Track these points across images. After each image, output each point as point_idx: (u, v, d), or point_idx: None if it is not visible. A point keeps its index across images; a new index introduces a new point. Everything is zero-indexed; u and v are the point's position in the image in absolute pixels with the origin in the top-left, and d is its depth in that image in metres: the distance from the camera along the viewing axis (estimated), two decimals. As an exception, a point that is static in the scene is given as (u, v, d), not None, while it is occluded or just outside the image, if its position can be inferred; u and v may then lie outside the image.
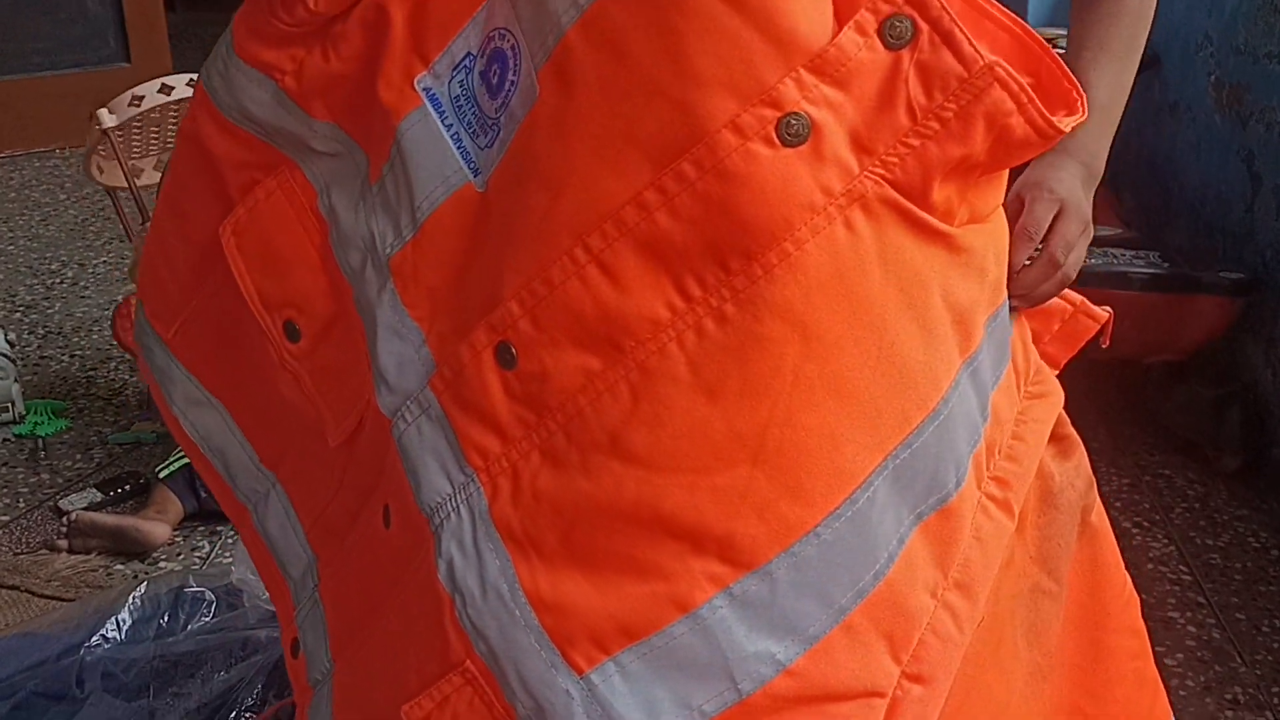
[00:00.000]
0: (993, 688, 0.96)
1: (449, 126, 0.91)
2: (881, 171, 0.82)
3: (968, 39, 0.81)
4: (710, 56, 0.81)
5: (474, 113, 0.91)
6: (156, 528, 1.96)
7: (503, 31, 0.89)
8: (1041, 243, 0.97)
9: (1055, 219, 0.98)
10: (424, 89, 0.91)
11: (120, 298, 2.67)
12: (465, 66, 0.91)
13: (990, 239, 0.91)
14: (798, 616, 0.83)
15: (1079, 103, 0.88)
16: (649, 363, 0.82)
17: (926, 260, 0.85)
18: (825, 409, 0.82)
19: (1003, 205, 0.95)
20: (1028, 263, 0.96)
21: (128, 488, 2.13)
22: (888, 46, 0.82)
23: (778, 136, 0.80)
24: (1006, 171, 0.91)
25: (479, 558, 0.85)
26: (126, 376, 2.55)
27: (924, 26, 0.81)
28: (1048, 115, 0.83)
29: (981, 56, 0.81)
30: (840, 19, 0.82)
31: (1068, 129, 0.85)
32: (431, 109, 0.91)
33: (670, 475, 0.82)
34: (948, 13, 0.81)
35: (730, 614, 0.82)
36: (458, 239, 0.90)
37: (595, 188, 0.83)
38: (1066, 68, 0.90)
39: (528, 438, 0.85)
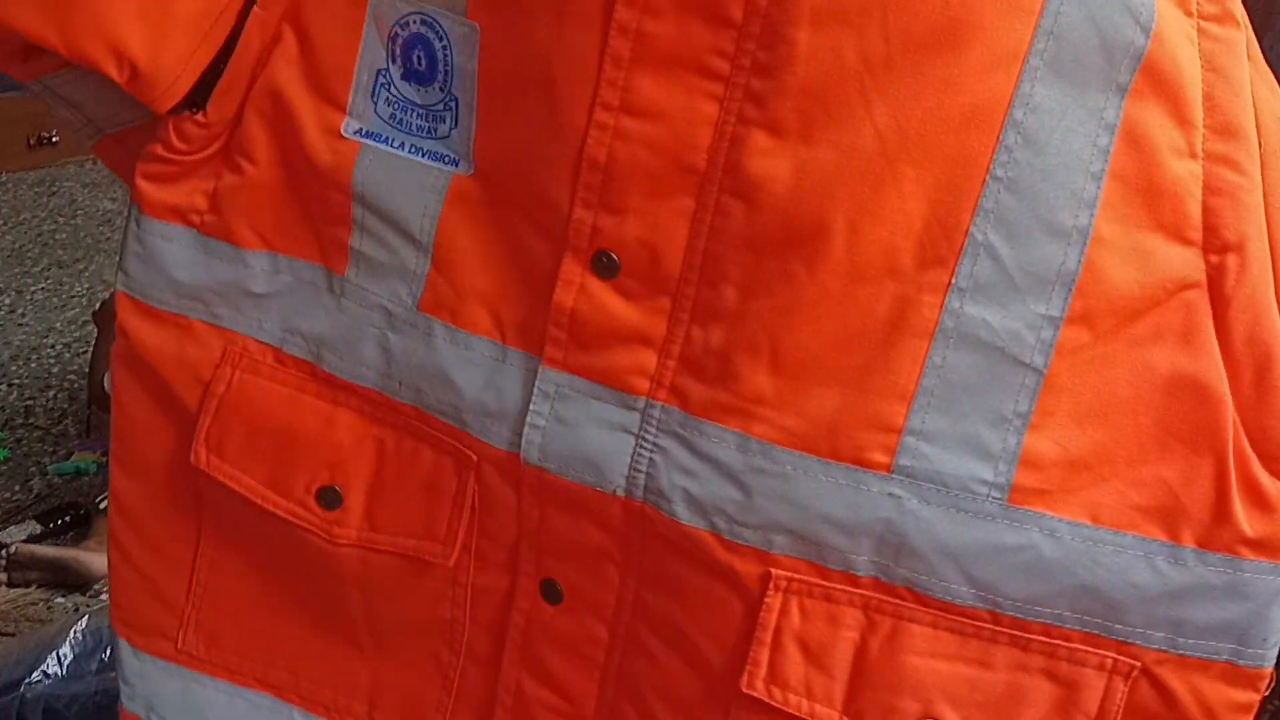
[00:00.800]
0: None
1: (401, 146, 0.87)
2: None
3: None
4: None
5: (418, 114, 0.87)
6: (97, 559, 1.94)
7: (404, 20, 0.85)
8: None
9: None
10: (354, 132, 0.88)
11: (58, 325, 2.64)
12: (382, 83, 0.87)
13: None
14: (1037, 263, 0.76)
15: None
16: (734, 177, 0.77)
17: None
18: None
19: None
20: None
21: (68, 519, 2.11)
22: None
23: None
24: None
25: (714, 460, 0.80)
26: (65, 405, 2.53)
27: None
28: None
29: None
30: None
31: None
32: (374, 144, 0.87)
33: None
34: None
35: (974, 308, 0.76)
36: (478, 229, 0.86)
37: (581, 58, 0.78)
38: None
39: (675, 322, 0.80)
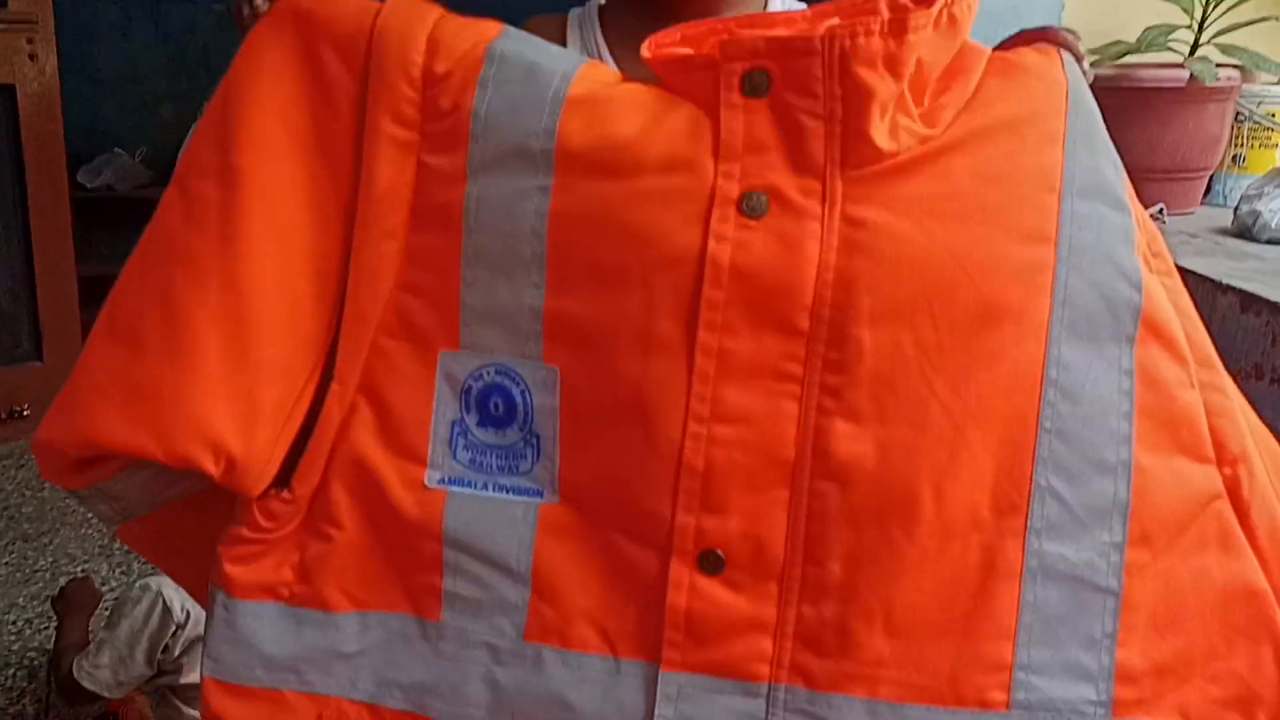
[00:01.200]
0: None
1: (485, 487, 0.92)
2: (841, 170, 0.86)
3: (790, 33, 0.87)
4: (654, 217, 0.87)
5: (497, 455, 0.92)
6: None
7: (478, 373, 0.92)
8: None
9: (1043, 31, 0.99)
10: (438, 481, 0.93)
11: (20, 600, 2.56)
12: (458, 432, 0.93)
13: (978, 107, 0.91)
14: (1095, 497, 0.87)
15: None
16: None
17: (915, 187, 0.87)
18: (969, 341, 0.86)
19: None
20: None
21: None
22: (756, 96, 0.87)
23: (746, 216, 0.86)
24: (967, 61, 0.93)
25: None
26: (24, 684, 2.43)
27: (770, 65, 0.86)
28: (899, 17, 0.85)
29: (809, 32, 0.86)
30: (708, 108, 0.88)
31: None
32: (459, 489, 0.92)
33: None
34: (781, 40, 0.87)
35: (1051, 545, 0.86)
36: (574, 552, 0.91)
37: (670, 380, 0.87)
38: None
39: (784, 604, 0.88)
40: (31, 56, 3.49)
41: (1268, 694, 0.90)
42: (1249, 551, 0.90)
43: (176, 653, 1.79)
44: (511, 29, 0.94)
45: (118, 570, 2.75)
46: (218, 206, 0.90)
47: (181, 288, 0.89)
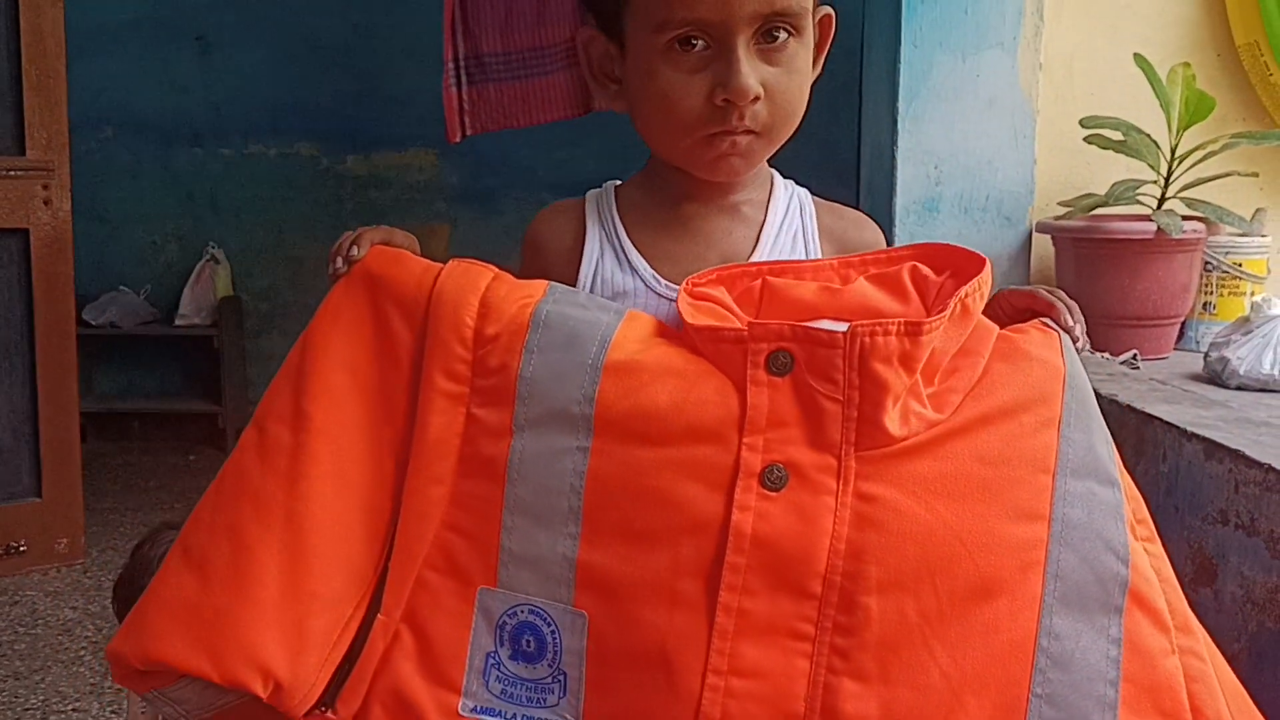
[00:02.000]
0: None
1: (514, 717, 0.99)
2: (855, 449, 0.94)
3: (822, 331, 0.95)
4: (683, 484, 0.95)
5: (526, 688, 0.99)
6: None
7: (513, 610, 0.99)
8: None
9: (1037, 291, 1.10)
10: (470, 710, 0.99)
11: None
12: (492, 664, 1.00)
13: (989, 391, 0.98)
14: None
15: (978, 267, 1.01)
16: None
17: (933, 468, 0.94)
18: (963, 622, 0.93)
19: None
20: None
21: None
22: (779, 375, 0.95)
23: (768, 489, 0.93)
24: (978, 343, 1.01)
25: None
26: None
27: (794, 348, 0.95)
28: (915, 321, 0.95)
29: (835, 332, 0.95)
30: (735, 380, 0.97)
31: (950, 310, 0.97)
32: (489, 718, 0.99)
33: None
34: (806, 330, 0.96)
35: None
36: None
37: (692, 635, 0.93)
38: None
39: None
40: (46, 202, 3.58)
41: None
42: None
43: None
44: (558, 287, 1.05)
45: (108, 709, 2.74)
46: (288, 449, 1.01)
47: (249, 522, 1.00)
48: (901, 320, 0.94)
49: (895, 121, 2.42)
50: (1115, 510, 0.96)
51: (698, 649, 0.93)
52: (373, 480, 1.03)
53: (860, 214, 1.26)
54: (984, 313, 1.09)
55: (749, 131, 1.09)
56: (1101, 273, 2.25)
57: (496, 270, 1.06)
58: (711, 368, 0.97)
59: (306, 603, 0.99)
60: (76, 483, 3.70)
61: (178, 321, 5.12)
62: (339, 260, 1.06)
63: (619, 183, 1.25)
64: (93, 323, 4.99)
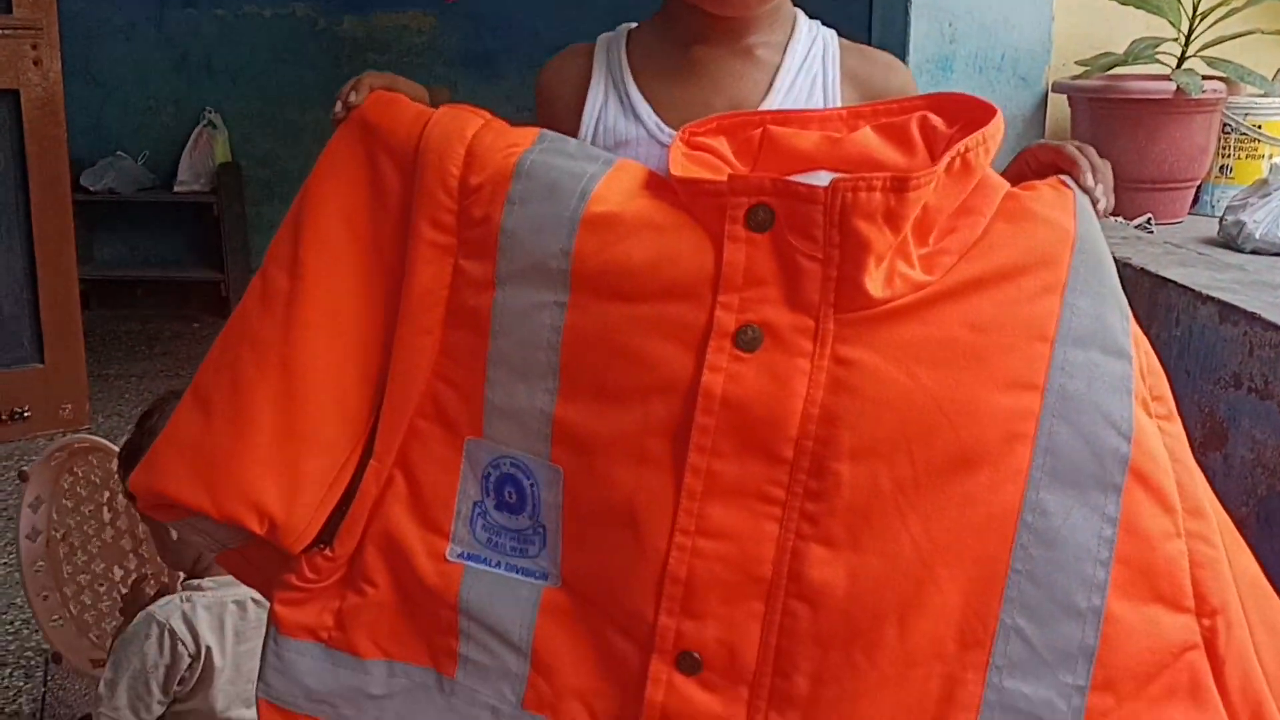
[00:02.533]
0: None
1: (497, 565, 1.01)
2: (834, 311, 0.90)
3: (802, 185, 0.91)
4: (656, 342, 0.93)
5: (510, 537, 1.00)
6: None
7: (496, 461, 1.00)
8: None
9: (1064, 146, 1.02)
10: (458, 555, 1.01)
11: (19, 600, 2.58)
12: (478, 513, 1.01)
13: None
14: (1061, 640, 0.89)
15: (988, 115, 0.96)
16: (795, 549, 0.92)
17: (902, 334, 0.91)
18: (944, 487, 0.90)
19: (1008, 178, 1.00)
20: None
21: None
22: (759, 231, 0.91)
23: (741, 349, 0.91)
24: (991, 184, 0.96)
25: None
26: (20, 684, 2.45)
27: (774, 202, 0.91)
28: (902, 175, 0.89)
29: (816, 187, 0.90)
30: (713, 236, 0.93)
31: (943, 166, 0.91)
32: (475, 565, 1.01)
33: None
34: (783, 182, 0.91)
35: (1011, 682, 0.89)
36: (570, 635, 0.98)
37: (660, 494, 0.93)
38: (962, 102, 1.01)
39: (753, 709, 0.93)
40: (36, 62, 3.51)
41: None
42: (1219, 705, 0.91)
43: (191, 684, 1.80)
44: (548, 135, 1.01)
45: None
46: (285, 295, 1.02)
47: (247, 365, 1.02)
48: (887, 174, 0.89)
49: (909, -23, 2.34)
50: (1121, 383, 0.91)
51: (665, 509, 0.92)
52: (366, 329, 1.03)
53: (891, 58, 1.20)
54: (1010, 169, 1.04)
55: None
56: (1117, 134, 2.19)
57: (488, 117, 1.03)
58: (691, 222, 0.94)
59: (300, 445, 1.01)
60: (78, 348, 3.71)
61: (176, 188, 5.06)
62: (338, 106, 1.04)
63: (634, 25, 1.20)
64: (91, 189, 4.93)
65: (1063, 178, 0.99)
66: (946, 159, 0.91)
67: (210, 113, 5.07)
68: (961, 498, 0.89)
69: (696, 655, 0.93)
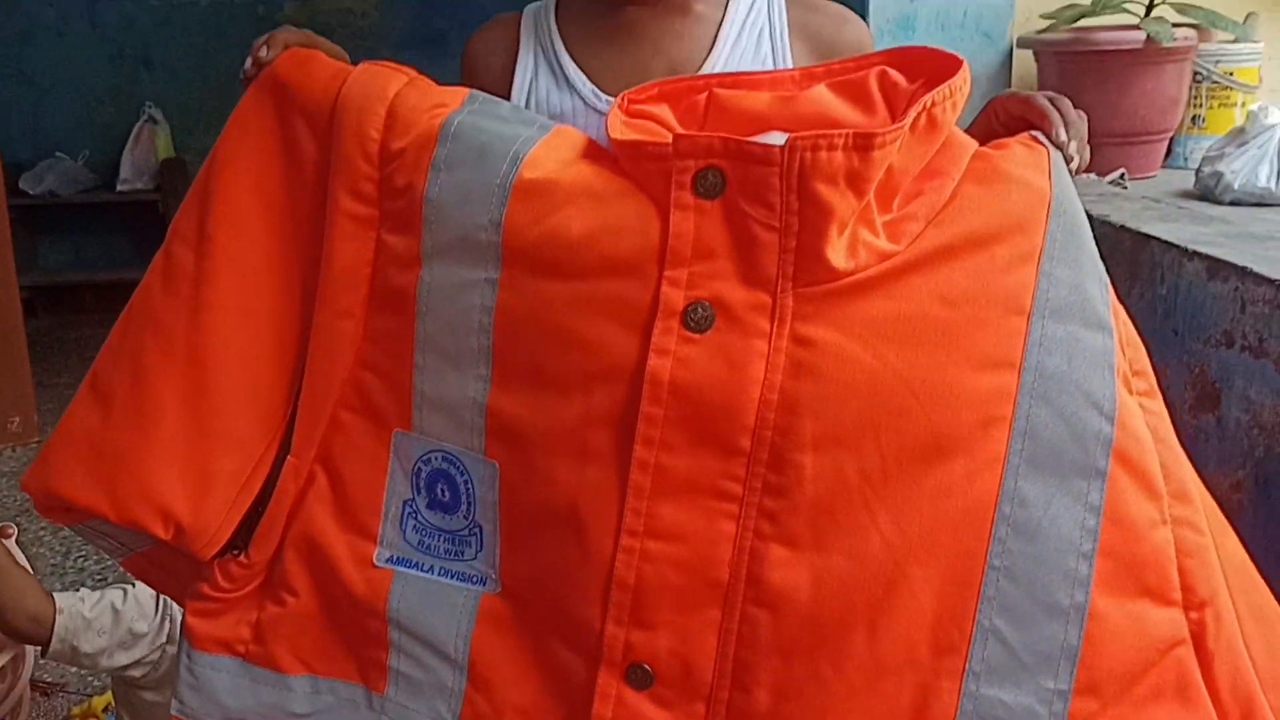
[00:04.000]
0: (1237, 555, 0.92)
1: (430, 570, 0.92)
2: (793, 285, 0.82)
3: (755, 144, 0.82)
4: (597, 324, 0.84)
5: (444, 539, 0.92)
6: None
7: (427, 456, 0.91)
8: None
9: (1034, 97, 0.96)
10: (386, 560, 0.93)
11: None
12: (409, 512, 0.92)
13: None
14: (1042, 642, 0.82)
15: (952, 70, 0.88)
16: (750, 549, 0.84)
17: (866, 305, 0.83)
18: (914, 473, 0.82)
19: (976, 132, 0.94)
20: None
21: None
22: (708, 198, 0.83)
23: (690, 330, 0.82)
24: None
25: None
26: None
27: (725, 165, 0.82)
28: (865, 132, 0.81)
29: (771, 146, 0.82)
30: (658, 203, 0.84)
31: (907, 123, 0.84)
32: (406, 570, 0.92)
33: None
34: (732, 140, 0.82)
35: (989, 689, 0.82)
36: (510, 646, 0.90)
37: (604, 492, 0.84)
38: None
39: (714, 717, 0.85)
40: (-40, 62, 3.38)
41: None
42: (1208, 704, 0.84)
43: (162, 670, 1.70)
44: (479, 95, 0.92)
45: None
46: (191, 275, 0.93)
47: (150, 354, 0.93)
48: (849, 131, 0.80)
49: (866, -65, 2.26)
50: (1103, 358, 0.83)
51: (611, 508, 0.84)
52: (281, 311, 0.94)
53: (844, 9, 1.10)
54: (977, 124, 0.96)
55: None
56: (1087, 88, 2.12)
57: (413, 74, 0.94)
58: (635, 190, 0.84)
59: (210, 442, 0.92)
60: (23, 358, 3.59)
61: (119, 187, 4.92)
62: (248, 62, 0.95)
63: None
64: (31, 192, 4.79)
65: (1035, 134, 0.91)
66: (912, 114, 0.83)
67: (150, 107, 4.93)
68: (934, 489, 0.81)
69: (648, 668, 0.85)
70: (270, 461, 0.95)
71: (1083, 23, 2.20)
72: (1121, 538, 0.83)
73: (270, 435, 0.94)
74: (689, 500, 0.83)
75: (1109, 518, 0.82)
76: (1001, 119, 0.96)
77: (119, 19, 4.98)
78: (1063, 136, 0.90)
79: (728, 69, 1.02)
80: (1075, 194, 0.88)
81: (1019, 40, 2.30)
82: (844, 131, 0.80)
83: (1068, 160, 0.90)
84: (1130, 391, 0.85)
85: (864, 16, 2.25)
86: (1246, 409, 1.42)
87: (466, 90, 0.93)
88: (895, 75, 0.91)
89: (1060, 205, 0.86)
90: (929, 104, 0.84)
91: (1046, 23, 2.24)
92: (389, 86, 0.91)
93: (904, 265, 0.82)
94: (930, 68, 0.90)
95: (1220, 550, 0.87)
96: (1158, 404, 0.88)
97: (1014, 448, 0.82)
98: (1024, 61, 2.33)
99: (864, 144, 0.80)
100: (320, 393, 0.93)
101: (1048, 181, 0.87)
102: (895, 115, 0.89)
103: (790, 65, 1.04)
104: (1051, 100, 0.94)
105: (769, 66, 1.04)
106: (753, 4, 1.06)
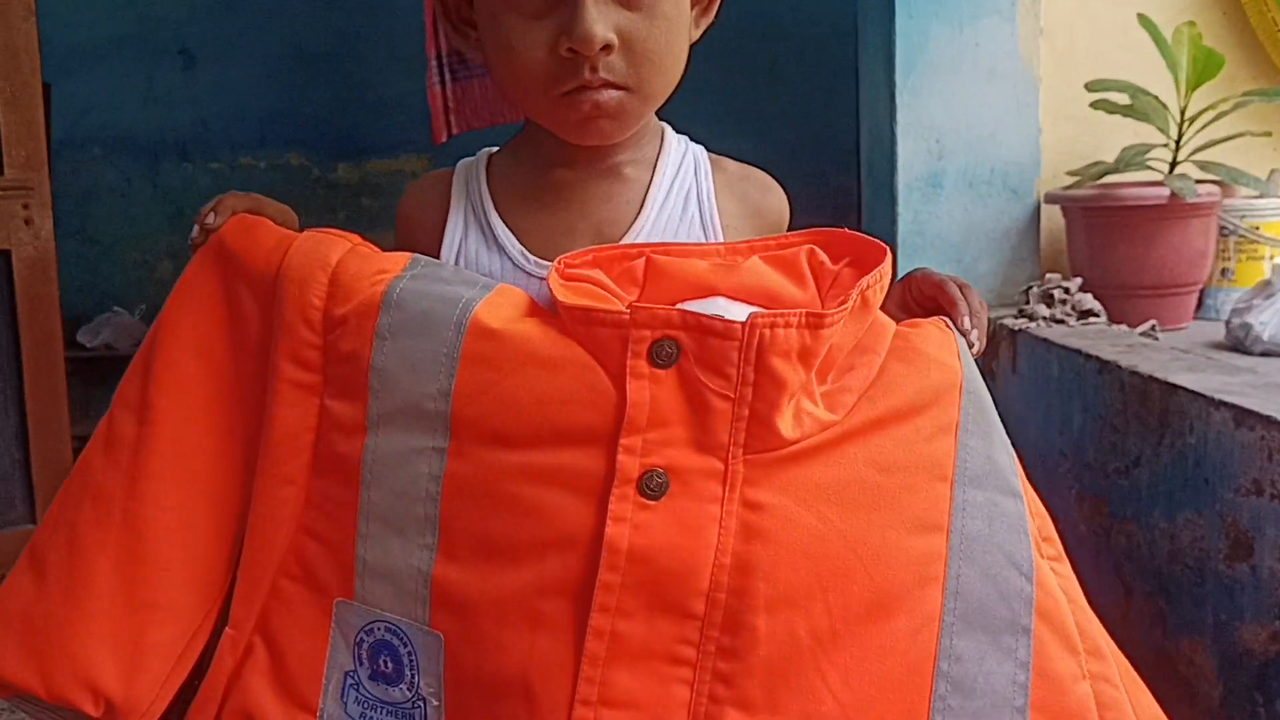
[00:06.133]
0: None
1: None
2: (744, 452, 0.85)
3: (718, 319, 0.85)
4: (550, 493, 0.85)
5: (387, 712, 0.90)
6: None
7: (369, 627, 0.90)
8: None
9: (946, 283, 1.03)
10: None
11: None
12: (350, 684, 0.91)
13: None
14: None
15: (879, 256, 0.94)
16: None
17: (821, 472, 0.86)
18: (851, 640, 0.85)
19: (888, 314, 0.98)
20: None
21: None
22: (663, 367, 0.85)
23: (645, 497, 0.83)
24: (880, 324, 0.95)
25: None
26: None
27: (682, 336, 0.85)
28: (818, 313, 0.86)
29: (734, 322, 0.85)
30: (610, 371, 0.86)
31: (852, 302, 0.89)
32: None
33: None
34: (696, 316, 0.86)
35: None
36: None
37: (557, 661, 0.84)
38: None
39: None
40: (27, 221, 3.52)
41: None
42: None
43: None
44: (421, 260, 0.94)
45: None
46: (131, 443, 0.93)
47: (87, 524, 0.91)
48: (804, 311, 0.85)
49: (893, 97, 2.33)
50: (1018, 523, 0.89)
51: (564, 677, 0.83)
52: (222, 479, 0.94)
53: (766, 177, 1.13)
54: (893, 296, 1.03)
55: (611, 85, 0.96)
56: (1115, 242, 2.16)
57: (356, 241, 0.96)
58: (585, 356, 0.86)
59: (145, 614, 0.90)
60: (72, 508, 3.62)
61: (173, 340, 5.03)
62: (195, 230, 0.97)
63: (495, 150, 1.13)
64: (88, 345, 4.91)
65: (944, 319, 0.98)
66: (855, 297, 0.88)
67: (206, 264, 5.07)
68: (880, 648, 0.84)
69: None
70: (209, 631, 0.93)
71: (1108, 179, 2.25)
72: (1049, 692, 0.86)
73: (209, 605, 0.93)
74: (644, 667, 0.83)
75: (1037, 672, 0.86)
76: (915, 297, 1.05)
77: (180, 181, 5.18)
78: (966, 325, 0.98)
79: (656, 230, 1.05)
80: (979, 375, 0.96)
81: (1046, 196, 2.35)
82: (799, 311, 0.86)
83: (970, 345, 0.98)
84: (1042, 556, 0.91)
85: (893, 175, 2.32)
86: (1281, 559, 1.41)
87: (409, 255, 0.95)
88: (821, 255, 0.97)
89: (970, 384, 0.93)
90: (864, 287, 0.90)
91: (1072, 179, 2.30)
92: (331, 254, 0.93)
93: (841, 435, 0.87)
94: (852, 250, 0.97)
95: (1136, 706, 0.91)
96: (1066, 568, 0.93)
97: (948, 606, 0.85)
98: (1052, 216, 2.38)
99: (815, 322, 0.85)
100: (260, 561, 0.92)
101: (958, 362, 0.94)
102: (821, 292, 0.95)
103: (718, 226, 1.07)
104: (961, 289, 1.02)
105: (696, 228, 1.07)
106: (680, 167, 1.08)
